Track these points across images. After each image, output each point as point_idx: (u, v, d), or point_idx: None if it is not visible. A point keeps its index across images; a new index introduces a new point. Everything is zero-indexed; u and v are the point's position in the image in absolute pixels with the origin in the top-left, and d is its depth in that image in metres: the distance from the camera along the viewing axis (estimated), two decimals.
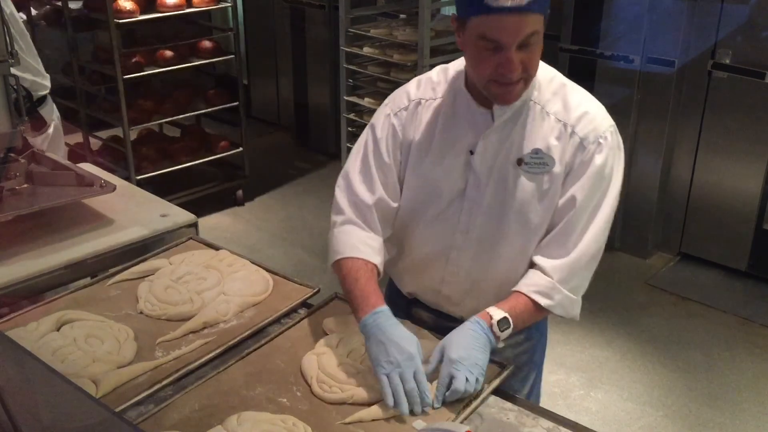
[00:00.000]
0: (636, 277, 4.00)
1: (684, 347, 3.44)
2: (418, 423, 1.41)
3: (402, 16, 4.37)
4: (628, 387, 3.19)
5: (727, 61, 3.69)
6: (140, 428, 1.17)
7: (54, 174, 2.28)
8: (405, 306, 1.81)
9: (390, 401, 1.42)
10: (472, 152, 1.57)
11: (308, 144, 5.71)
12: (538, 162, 1.53)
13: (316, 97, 5.49)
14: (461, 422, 1.43)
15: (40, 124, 3.20)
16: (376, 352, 1.47)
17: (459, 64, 1.63)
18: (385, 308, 1.53)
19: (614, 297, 3.82)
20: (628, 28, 3.84)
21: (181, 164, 4.51)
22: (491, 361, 1.57)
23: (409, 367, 1.44)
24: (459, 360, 1.45)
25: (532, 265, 1.61)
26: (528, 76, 1.47)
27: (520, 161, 1.54)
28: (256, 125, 6.16)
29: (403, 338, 1.48)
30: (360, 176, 1.66)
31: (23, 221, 2.10)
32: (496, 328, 1.51)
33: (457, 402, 1.47)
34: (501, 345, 1.56)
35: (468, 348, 1.47)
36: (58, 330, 1.68)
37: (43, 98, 3.19)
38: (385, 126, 1.65)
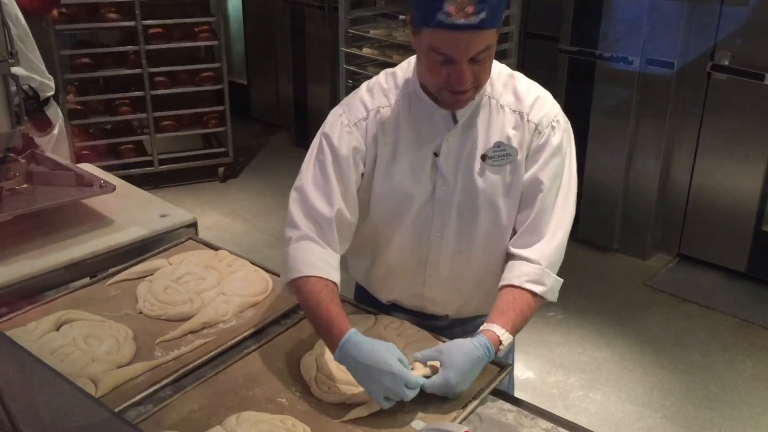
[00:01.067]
0: (635, 278, 4.00)
1: (683, 348, 3.44)
2: (417, 423, 1.42)
3: (401, 17, 4.36)
4: (627, 388, 3.19)
5: (726, 63, 3.70)
6: (139, 428, 1.17)
7: (53, 174, 2.28)
8: (385, 310, 1.79)
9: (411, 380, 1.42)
10: (436, 154, 1.58)
11: (307, 144, 5.66)
12: (501, 154, 1.57)
13: (315, 98, 5.49)
14: (460, 422, 1.43)
15: (45, 125, 3.22)
16: (362, 381, 1.43)
17: (407, 67, 1.64)
18: (350, 333, 1.44)
19: (613, 298, 3.82)
20: (628, 29, 3.84)
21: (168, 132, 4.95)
22: (491, 361, 1.58)
23: (397, 384, 1.40)
24: (456, 385, 1.43)
25: (510, 256, 1.61)
26: (479, 84, 1.50)
27: (484, 157, 1.57)
28: (255, 126, 6.17)
29: (379, 359, 1.40)
30: (316, 188, 1.58)
31: (23, 221, 2.10)
32: (501, 353, 1.51)
33: (456, 402, 1.47)
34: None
35: (471, 376, 1.46)
36: (57, 330, 1.68)
37: (47, 99, 3.20)
38: (344, 137, 1.58)
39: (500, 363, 1.59)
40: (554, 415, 1.52)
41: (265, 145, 5.88)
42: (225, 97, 5.00)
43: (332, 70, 5.18)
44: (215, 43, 4.93)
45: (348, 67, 4.08)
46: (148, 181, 4.82)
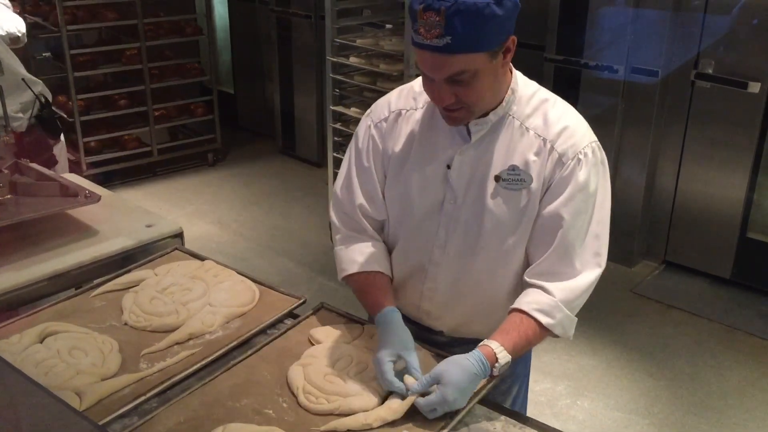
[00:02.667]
0: (621, 285, 4.02)
1: (669, 355, 3.46)
2: None
3: (388, 26, 4.38)
4: (615, 395, 3.20)
5: (710, 71, 3.73)
6: None
7: (38, 185, 2.27)
8: None
9: (387, 379, 1.48)
10: (449, 166, 1.56)
11: (294, 153, 5.71)
12: (515, 178, 1.52)
13: (302, 107, 5.49)
14: None
15: (57, 134, 3.25)
16: (380, 339, 1.55)
17: None
18: (386, 309, 1.59)
19: (600, 305, 3.83)
20: (613, 38, 3.87)
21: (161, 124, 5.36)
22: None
23: (403, 350, 1.51)
24: (453, 402, 1.43)
25: (528, 284, 1.57)
26: (467, 105, 1.46)
27: (497, 177, 1.53)
28: (242, 134, 6.16)
29: (398, 331, 1.55)
30: (344, 190, 1.70)
31: (6, 232, 2.08)
32: (496, 371, 1.48)
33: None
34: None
35: (466, 393, 1.45)
36: (41, 342, 1.67)
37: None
38: (366, 137, 1.66)
39: (493, 375, 1.58)
40: (542, 423, 1.52)
41: (252, 154, 5.87)
42: (213, 85, 5.50)
43: (319, 79, 5.18)
44: (203, 36, 5.44)
45: (335, 76, 4.08)
46: (148, 170, 5.38)
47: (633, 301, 3.89)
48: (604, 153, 1.56)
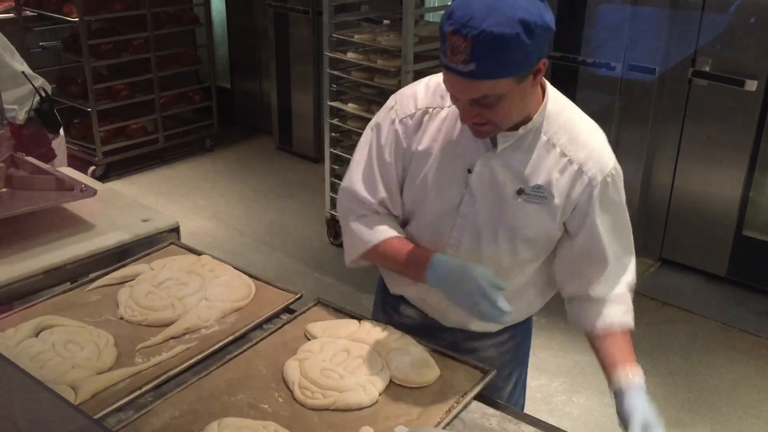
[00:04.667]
0: None
1: (664, 352, 3.46)
2: (401, 428, 1.41)
3: (386, 21, 4.38)
4: (610, 392, 3.20)
5: (707, 69, 3.73)
6: None
7: (33, 178, 2.26)
8: (393, 302, 1.81)
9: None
10: (470, 171, 1.54)
11: (291, 149, 5.70)
12: (538, 195, 1.51)
13: (299, 102, 5.48)
14: (443, 428, 1.43)
15: (57, 127, 3.24)
16: (455, 292, 1.52)
17: None
18: (434, 258, 1.55)
19: None
20: (610, 35, 3.87)
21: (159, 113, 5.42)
22: (473, 366, 1.58)
23: (488, 290, 1.47)
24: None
25: (589, 299, 1.62)
26: (494, 122, 1.44)
27: (521, 191, 1.52)
28: (238, 130, 6.15)
29: (472, 269, 1.50)
30: (365, 184, 1.64)
31: (1, 226, 2.07)
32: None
33: (439, 408, 1.47)
34: None
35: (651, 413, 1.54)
36: (36, 336, 1.66)
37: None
38: (390, 132, 1.61)
39: (482, 368, 1.59)
40: (538, 419, 1.52)
41: (248, 150, 5.86)
42: (212, 72, 5.70)
43: (316, 74, 5.17)
44: (200, 25, 5.60)
45: (332, 72, 4.07)
46: (153, 157, 5.50)
47: None
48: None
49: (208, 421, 1.41)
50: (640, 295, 3.91)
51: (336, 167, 4.23)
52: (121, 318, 1.76)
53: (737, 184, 3.78)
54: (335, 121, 4.14)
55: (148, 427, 1.42)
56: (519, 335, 1.80)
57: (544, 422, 1.51)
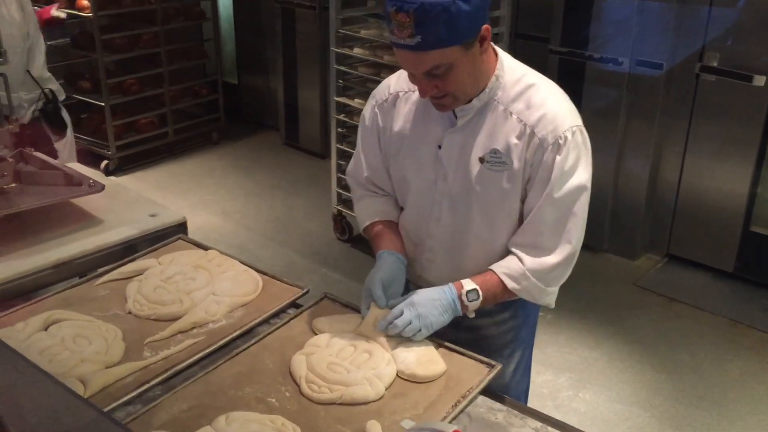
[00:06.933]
0: (624, 278, 4.02)
1: (671, 348, 3.46)
2: (407, 422, 1.42)
3: None
4: (616, 388, 3.21)
5: (715, 64, 3.72)
6: (129, 428, 1.17)
7: (42, 173, 2.27)
8: None
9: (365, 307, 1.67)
10: (440, 147, 1.66)
11: (298, 145, 5.71)
12: (497, 161, 1.60)
13: (306, 98, 5.48)
14: (450, 422, 1.43)
15: (62, 129, 3.24)
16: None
17: None
18: (382, 253, 1.74)
19: (602, 298, 3.84)
20: (617, 30, 3.86)
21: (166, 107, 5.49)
22: (479, 360, 1.58)
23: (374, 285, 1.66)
24: (415, 304, 1.60)
25: (508, 252, 1.68)
26: (452, 93, 1.54)
27: (481, 159, 1.62)
28: (245, 126, 6.16)
29: (378, 270, 1.70)
30: (354, 162, 1.87)
31: (11, 221, 2.09)
32: (464, 297, 1.62)
33: (446, 402, 1.47)
34: (471, 315, 1.65)
35: (429, 301, 1.61)
36: (45, 330, 1.68)
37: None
38: (371, 116, 1.79)
39: (488, 363, 1.59)
40: (544, 414, 1.52)
41: (255, 145, 5.87)
42: (219, 66, 5.78)
43: (323, 70, 5.17)
44: (207, 20, 5.65)
45: (339, 67, 4.07)
46: (162, 151, 5.57)
47: (636, 294, 3.89)
48: (586, 136, 1.62)
49: (216, 415, 1.42)
50: (647, 291, 3.91)
51: (342, 163, 4.23)
52: (130, 312, 1.78)
53: (745, 179, 3.76)
54: (342, 117, 4.15)
55: (156, 421, 1.43)
56: (521, 315, 1.84)
57: (550, 417, 1.51)
